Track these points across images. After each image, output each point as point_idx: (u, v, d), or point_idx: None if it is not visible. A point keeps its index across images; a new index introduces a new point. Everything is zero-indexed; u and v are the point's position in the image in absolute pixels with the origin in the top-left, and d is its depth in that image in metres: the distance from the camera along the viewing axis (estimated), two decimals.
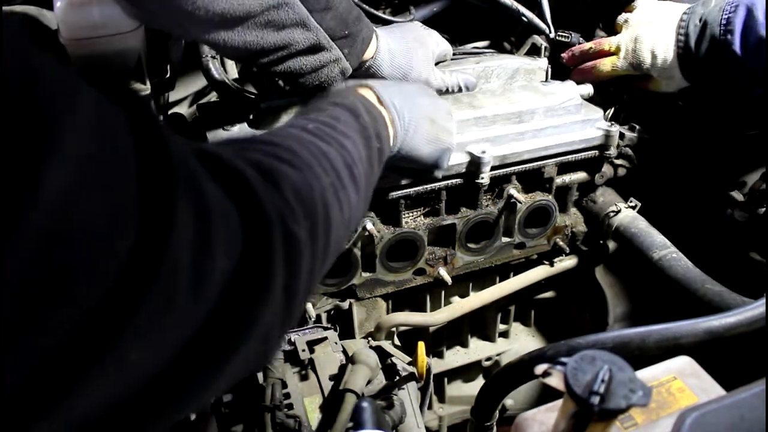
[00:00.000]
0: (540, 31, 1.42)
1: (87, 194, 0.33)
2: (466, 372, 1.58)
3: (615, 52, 1.33)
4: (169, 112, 1.44)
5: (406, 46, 1.22)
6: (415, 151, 1.01)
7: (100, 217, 0.33)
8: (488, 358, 1.56)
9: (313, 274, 0.60)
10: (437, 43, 1.30)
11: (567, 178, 1.34)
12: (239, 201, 0.48)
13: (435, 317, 1.36)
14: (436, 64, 1.30)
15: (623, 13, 1.35)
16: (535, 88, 1.35)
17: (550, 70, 1.39)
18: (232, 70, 1.47)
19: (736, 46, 1.16)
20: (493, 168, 1.21)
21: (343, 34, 1.09)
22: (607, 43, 1.34)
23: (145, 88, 1.09)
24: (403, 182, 1.18)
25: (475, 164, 1.18)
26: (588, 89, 1.35)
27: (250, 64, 1.07)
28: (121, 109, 0.38)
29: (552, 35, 1.42)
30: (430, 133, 1.01)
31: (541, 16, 1.41)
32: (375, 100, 0.94)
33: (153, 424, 0.41)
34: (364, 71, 1.17)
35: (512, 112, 1.25)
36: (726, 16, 1.17)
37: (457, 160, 1.18)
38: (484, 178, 1.22)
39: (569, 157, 1.29)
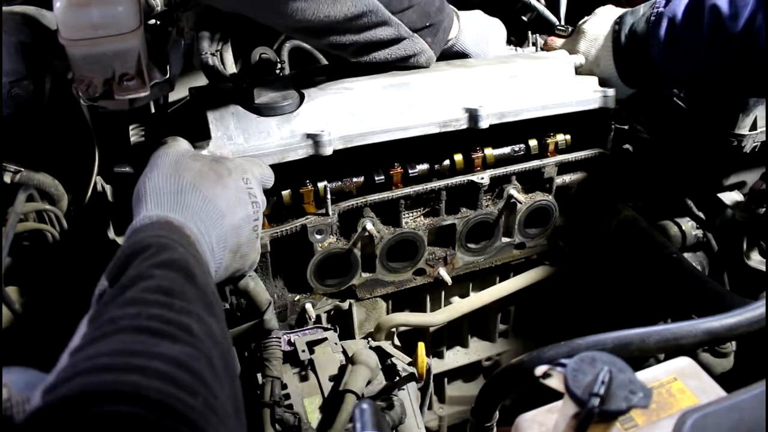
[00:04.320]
0: (550, 24, 1.47)
1: None
2: (466, 372, 1.58)
3: None
4: (169, 112, 1.43)
5: (484, 28, 1.34)
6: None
7: None
8: (488, 358, 1.56)
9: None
10: (502, 27, 1.40)
11: (567, 178, 1.34)
12: None
13: (435, 317, 1.36)
14: None
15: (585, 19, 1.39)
16: (528, 55, 1.38)
17: (540, 45, 1.45)
18: (232, 69, 1.47)
19: (657, 54, 1.20)
20: (492, 126, 1.18)
21: (425, 25, 1.15)
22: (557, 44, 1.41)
23: (145, 89, 1.09)
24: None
25: (473, 119, 1.17)
26: (579, 59, 1.35)
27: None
28: None
29: (560, 27, 1.46)
30: (230, 268, 0.95)
31: (555, 10, 1.45)
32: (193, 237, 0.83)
33: None
34: (447, 48, 1.28)
35: (506, 71, 1.26)
36: (650, 28, 1.21)
37: (454, 115, 1.17)
38: (484, 178, 1.22)
39: (569, 157, 1.29)
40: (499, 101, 1.20)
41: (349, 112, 1.13)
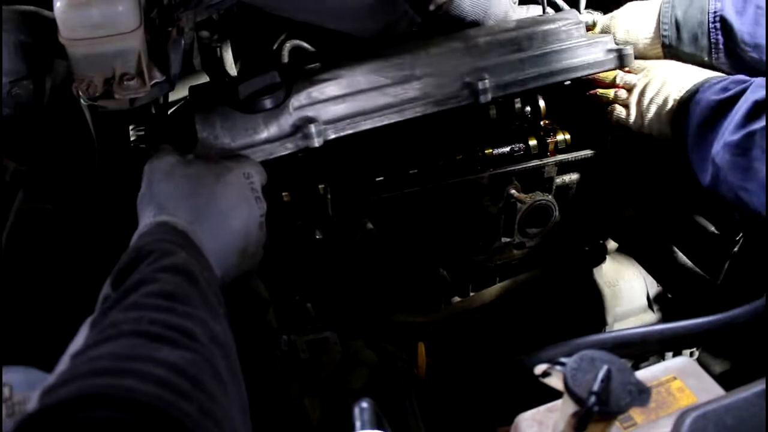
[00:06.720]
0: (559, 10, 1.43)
1: None
2: None
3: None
4: (168, 112, 1.44)
5: None
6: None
7: None
8: None
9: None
10: None
11: (567, 177, 1.34)
12: None
13: (435, 317, 1.36)
14: None
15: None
16: (533, 19, 1.28)
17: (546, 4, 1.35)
18: (232, 70, 1.47)
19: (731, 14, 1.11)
20: (494, 99, 1.11)
21: None
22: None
23: (145, 89, 1.09)
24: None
25: (474, 93, 1.09)
26: (592, 16, 1.28)
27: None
28: None
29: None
30: (241, 268, 0.94)
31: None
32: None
33: None
34: (444, 13, 1.19)
35: (508, 39, 1.18)
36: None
37: (453, 91, 1.10)
38: (484, 178, 1.22)
39: (569, 156, 1.29)
40: (502, 72, 1.13)
41: (340, 100, 1.08)
